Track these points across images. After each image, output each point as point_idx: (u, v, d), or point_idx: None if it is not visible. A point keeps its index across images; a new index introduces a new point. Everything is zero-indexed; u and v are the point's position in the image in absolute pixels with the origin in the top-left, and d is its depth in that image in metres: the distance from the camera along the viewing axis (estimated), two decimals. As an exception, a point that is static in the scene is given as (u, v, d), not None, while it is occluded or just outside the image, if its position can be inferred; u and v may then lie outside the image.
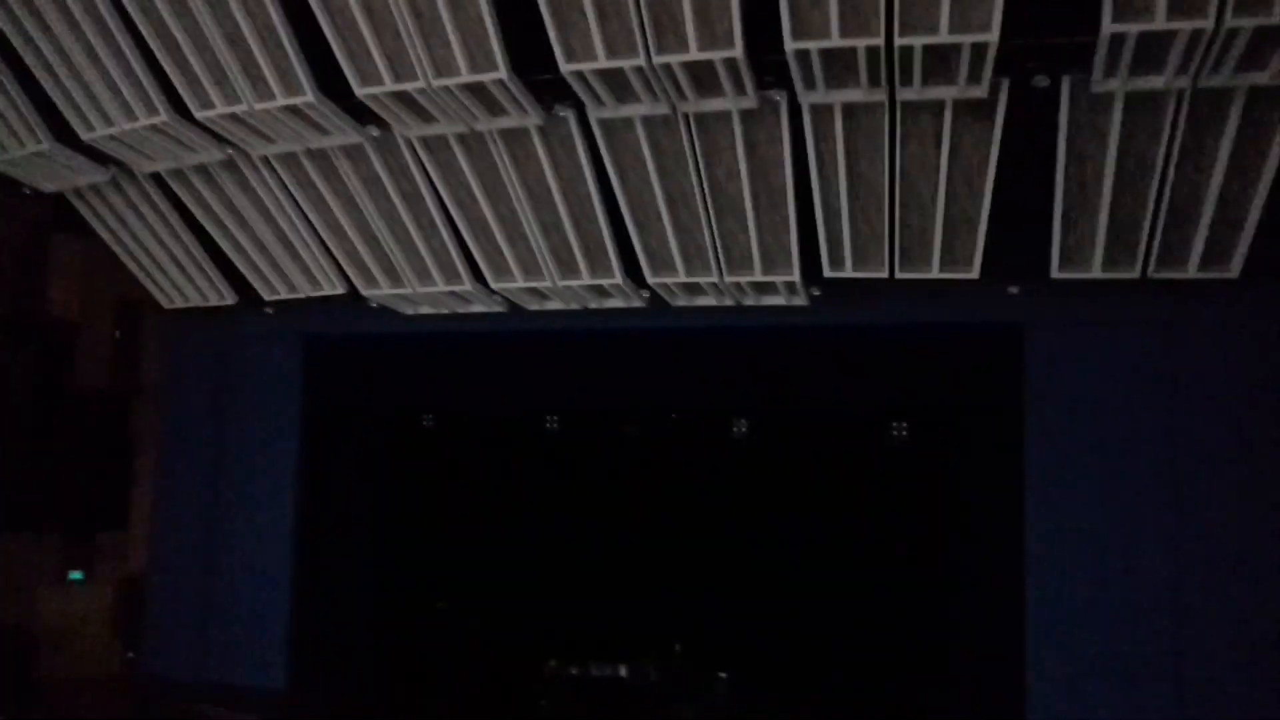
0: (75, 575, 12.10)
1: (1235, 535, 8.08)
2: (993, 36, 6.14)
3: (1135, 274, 7.79)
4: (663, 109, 7.44)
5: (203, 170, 9.37)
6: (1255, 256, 7.45)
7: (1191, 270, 7.66)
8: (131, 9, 7.66)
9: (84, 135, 8.73)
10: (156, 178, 9.69)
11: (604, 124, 7.74)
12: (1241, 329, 8.22)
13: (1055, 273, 7.89)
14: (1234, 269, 7.56)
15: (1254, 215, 7.20)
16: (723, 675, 10.63)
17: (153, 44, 7.82)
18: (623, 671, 11.18)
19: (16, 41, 8.33)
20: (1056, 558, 8.72)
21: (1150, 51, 6.28)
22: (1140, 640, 8.40)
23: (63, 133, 8.89)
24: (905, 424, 10.60)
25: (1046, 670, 8.63)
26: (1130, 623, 8.45)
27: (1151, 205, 7.34)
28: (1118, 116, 6.85)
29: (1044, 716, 8.60)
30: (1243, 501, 8.11)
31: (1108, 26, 5.99)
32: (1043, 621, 8.69)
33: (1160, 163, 7.08)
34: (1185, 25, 5.90)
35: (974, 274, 8.00)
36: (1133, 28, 5.99)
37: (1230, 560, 8.08)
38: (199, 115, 8.12)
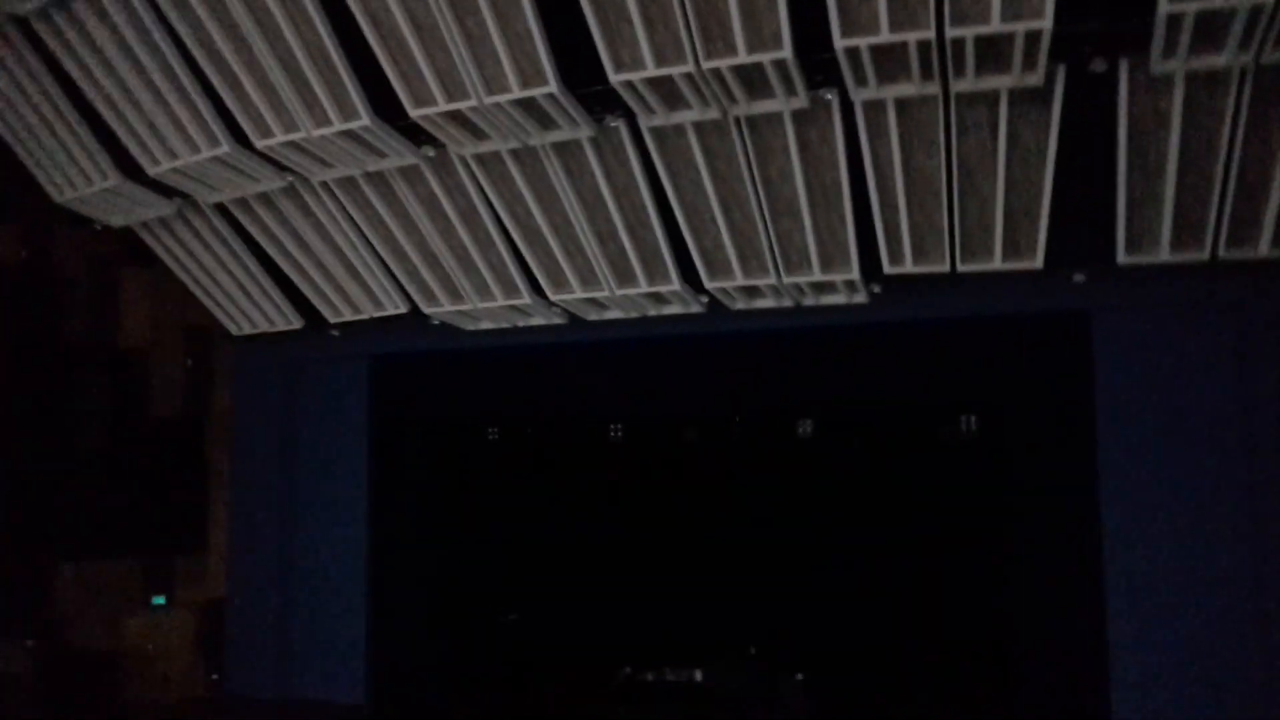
0: (158, 600, 12.35)
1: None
2: (1046, 23, 6.06)
3: (1204, 256, 7.61)
4: (713, 114, 7.45)
5: (264, 198, 9.57)
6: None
7: (1263, 250, 7.46)
8: (190, 44, 7.87)
9: (150, 170, 8.96)
10: (220, 207, 9.92)
11: (655, 132, 7.76)
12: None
13: (1121, 258, 7.75)
14: (1306, 246, 7.37)
15: (1324, 190, 7.02)
16: (798, 677, 10.57)
17: (212, 77, 8.03)
18: (698, 676, 11.18)
19: (82, 82, 8.59)
20: (1133, 548, 8.57)
21: (1209, 30, 6.16)
22: (1221, 632, 8.21)
23: (129, 168, 9.13)
24: (973, 418, 10.48)
25: (1128, 666, 8.48)
26: (1210, 614, 8.27)
27: (1218, 185, 7.18)
28: (1179, 97, 6.73)
29: (1128, 697, 8.44)
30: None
31: (1165, 6, 5.90)
32: (1122, 613, 8.54)
33: (1225, 142, 6.92)
34: (1244, 1, 5.78)
35: (1037, 264, 7.88)
36: (1190, 6, 5.89)
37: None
38: (259, 144, 8.30)
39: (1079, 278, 8.50)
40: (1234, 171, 7.06)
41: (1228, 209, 7.31)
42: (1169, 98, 6.76)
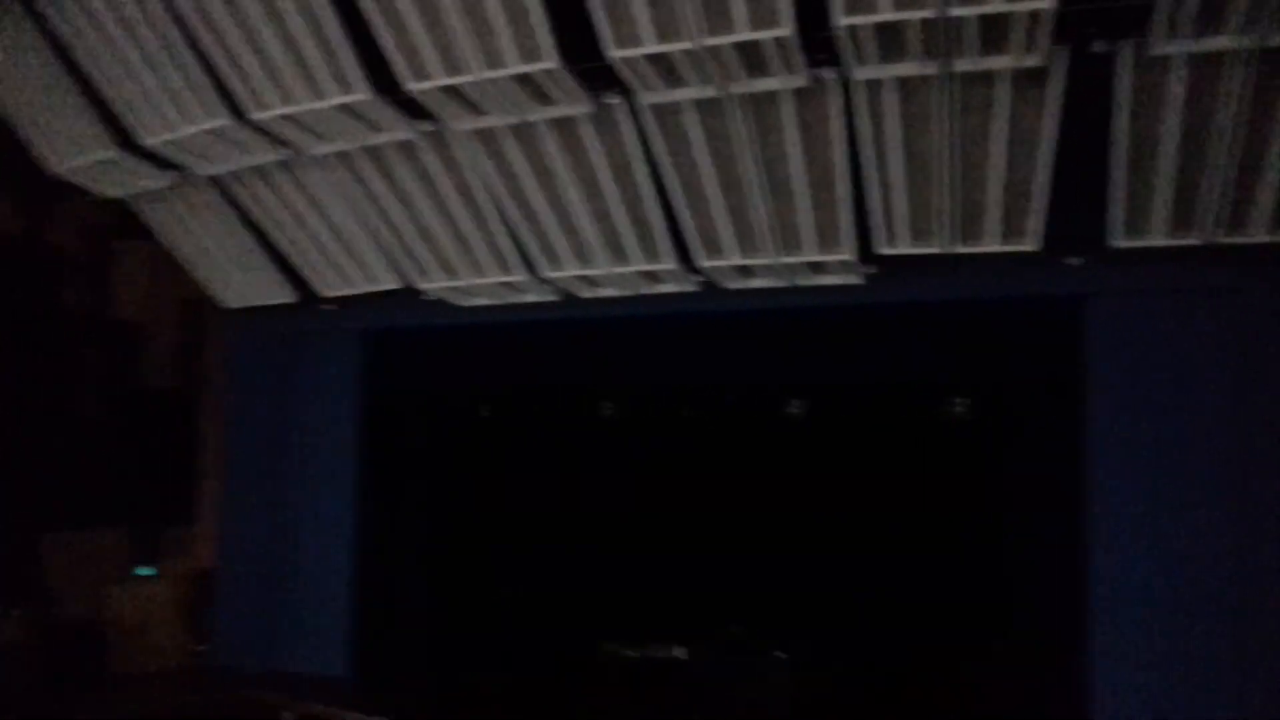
0: (144, 570, 12.36)
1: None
2: (1048, 3, 6.06)
3: (1200, 240, 7.62)
4: (713, 92, 7.42)
5: (260, 171, 9.52)
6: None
7: (1259, 233, 7.48)
8: (187, 14, 7.81)
9: (145, 141, 8.91)
10: (216, 180, 9.85)
11: (654, 109, 7.74)
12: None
13: (1117, 241, 7.76)
14: (1303, 231, 7.38)
15: (1322, 175, 7.03)
16: (781, 655, 10.63)
17: (209, 48, 7.97)
18: (680, 653, 11.24)
19: (79, 52, 8.52)
20: (1119, 532, 8.56)
21: (1211, 12, 6.16)
22: (1204, 618, 8.23)
23: (126, 140, 9.07)
24: (965, 400, 10.53)
25: (1109, 647, 8.51)
26: (1194, 599, 8.28)
27: (1216, 169, 7.18)
28: (1179, 79, 6.72)
29: (1108, 693, 8.50)
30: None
31: (1167, -12, 5.90)
32: (1105, 597, 8.55)
33: (1224, 125, 6.92)
34: (1247, -16, 5.79)
35: (1033, 246, 7.89)
36: (1192, -12, 5.89)
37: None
38: (255, 117, 8.25)
39: (1074, 261, 8.52)
40: (1233, 155, 7.06)
41: (1225, 193, 7.31)
42: (1168, 80, 6.76)
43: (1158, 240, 7.66)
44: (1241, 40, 6.34)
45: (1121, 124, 7.07)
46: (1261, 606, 8.01)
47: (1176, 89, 6.77)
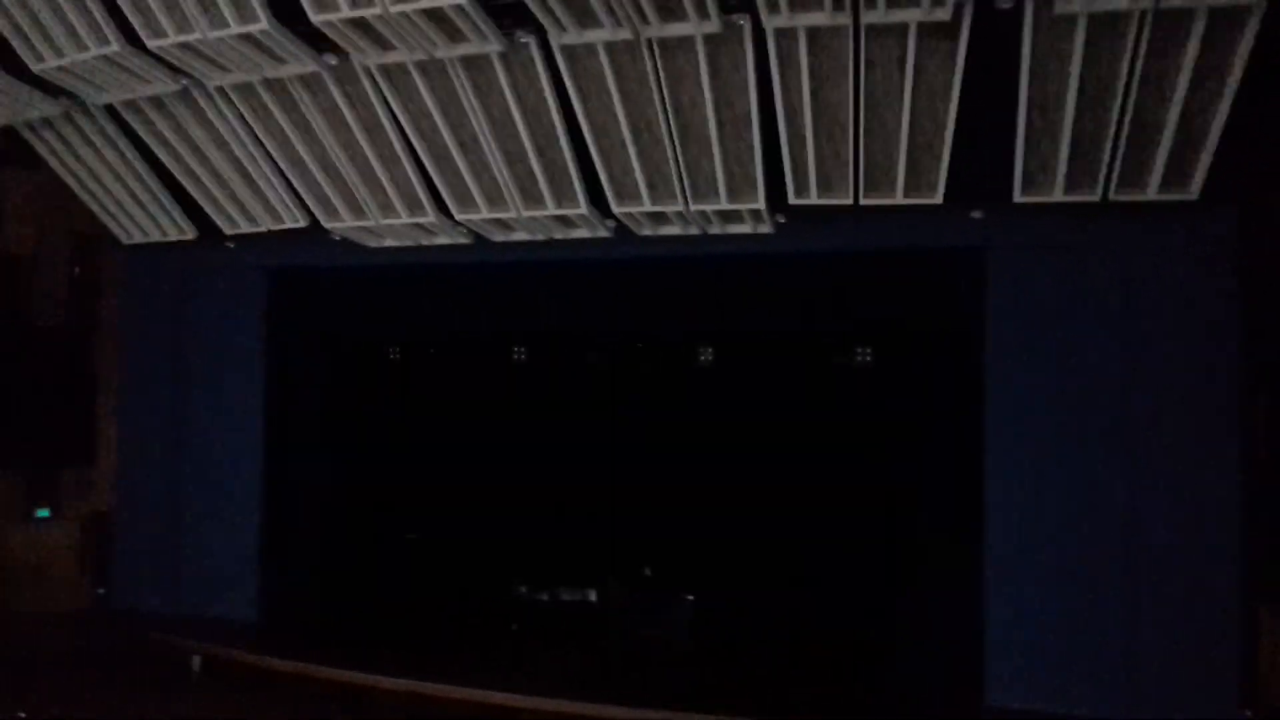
0: (42, 513, 12.06)
1: (1189, 450, 8.26)
2: (956, -43, 6.11)
3: (1096, 197, 7.85)
4: (626, 34, 7.35)
5: (157, 102, 9.19)
6: (1214, 178, 7.52)
7: (1152, 192, 7.72)
8: (77, -66, 7.46)
9: (34, 66, 8.51)
10: (110, 110, 9.50)
11: (567, 50, 7.64)
12: (1199, 250, 8.31)
13: (1018, 196, 7.94)
14: (1193, 190, 7.62)
15: (1214, 137, 7.25)
16: (689, 597, 10.84)
17: (100, -30, 7.63)
18: (591, 595, 11.39)
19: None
20: (1015, 473, 8.89)
21: (1112, -28, 6.28)
22: (1096, 549, 8.61)
23: (12, 64, 8.64)
24: (869, 348, 10.75)
25: (1004, 583, 8.85)
26: (1087, 535, 8.65)
27: (1113, 128, 7.38)
28: (1080, 38, 6.85)
29: (1002, 628, 8.84)
30: (1197, 417, 8.27)
31: (1072, -53, 5.98)
32: (1000, 535, 8.89)
33: (1122, 84, 7.10)
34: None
35: (937, 199, 8.04)
36: (1096, -52, 5.98)
37: (1182, 474, 8.28)
38: (151, 45, 7.93)
39: (977, 214, 8.71)
40: (1129, 114, 7.25)
41: (1121, 151, 7.52)
42: (1070, 38, 6.88)
43: (1056, 196, 7.85)
44: (1139, 1, 6.47)
45: (1024, 81, 7.19)
46: (1151, 540, 8.39)
47: (1077, 47, 6.89)
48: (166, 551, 11.64)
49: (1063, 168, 7.68)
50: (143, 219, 10.83)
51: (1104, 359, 8.68)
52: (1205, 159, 7.41)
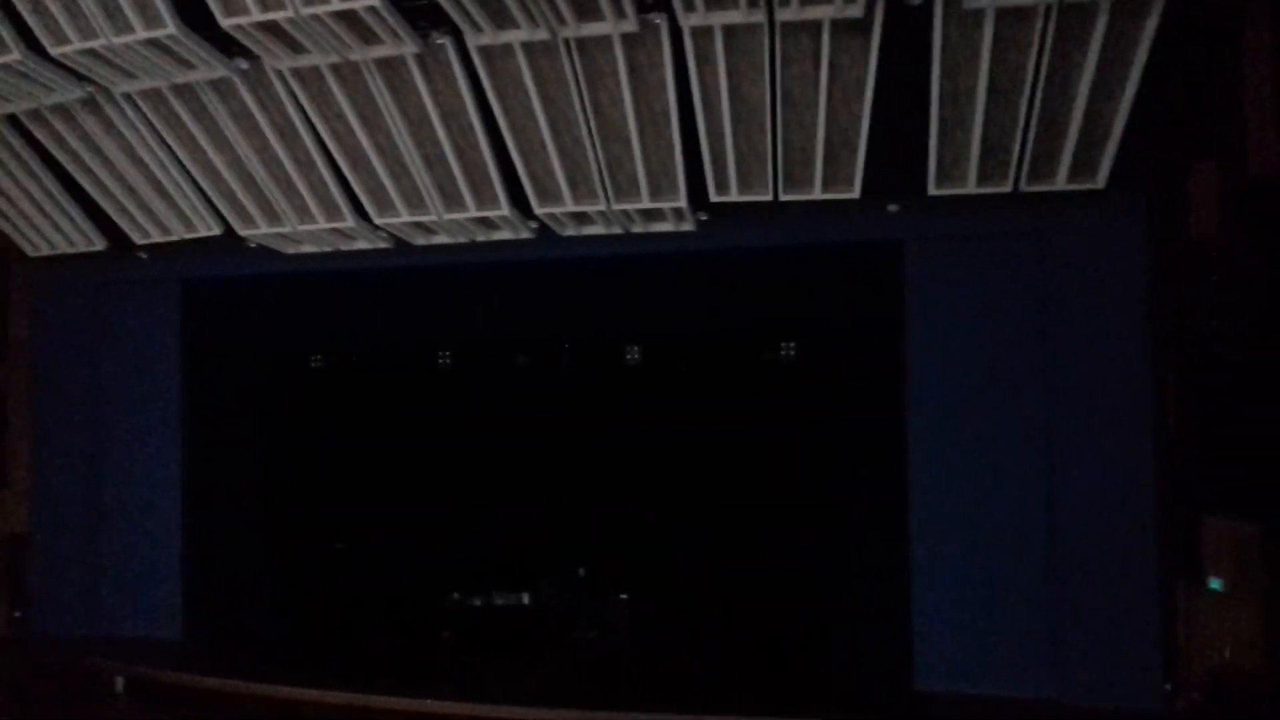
0: (-46, 537, 11.66)
1: (1104, 431, 8.49)
2: (866, -45, 6.20)
3: (1008, 188, 8.04)
4: (543, 34, 7.34)
5: (62, 110, 8.93)
6: (1119, 167, 7.75)
7: (1060, 182, 7.95)
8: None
9: (-73, 74, 8.22)
10: (12, 119, 9.20)
11: (483, 51, 7.60)
12: (1107, 236, 8.54)
13: (932, 189, 8.10)
14: (1100, 180, 7.86)
15: (1118, 127, 7.48)
16: (623, 597, 10.86)
17: (-4, -25, 7.39)
18: (525, 599, 11.35)
19: None
20: (936, 461, 9.05)
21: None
22: (1017, 532, 8.81)
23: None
24: (793, 343, 10.89)
25: (928, 570, 9.01)
26: (1008, 518, 8.85)
27: (1022, 120, 7.56)
28: (989, 32, 7.01)
29: (926, 616, 9.00)
30: (1110, 398, 8.51)
31: (977, -57, 6.11)
32: (923, 523, 9.04)
33: (1030, 77, 7.28)
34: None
35: (855, 193, 8.17)
36: (1001, -56, 6.11)
37: (1099, 455, 8.50)
38: (54, 52, 7.71)
39: (893, 208, 8.85)
40: (1037, 107, 7.44)
41: (1030, 143, 7.71)
42: (980, 32, 7.03)
43: (969, 188, 8.02)
44: (1045, -4, 6.65)
45: (936, 76, 7.33)
46: (1069, 528, 8.60)
47: (986, 41, 7.05)
48: (86, 572, 11.32)
49: (975, 160, 7.85)
50: (49, 230, 10.52)
51: (1020, 345, 8.89)
52: (1111, 149, 7.64)
